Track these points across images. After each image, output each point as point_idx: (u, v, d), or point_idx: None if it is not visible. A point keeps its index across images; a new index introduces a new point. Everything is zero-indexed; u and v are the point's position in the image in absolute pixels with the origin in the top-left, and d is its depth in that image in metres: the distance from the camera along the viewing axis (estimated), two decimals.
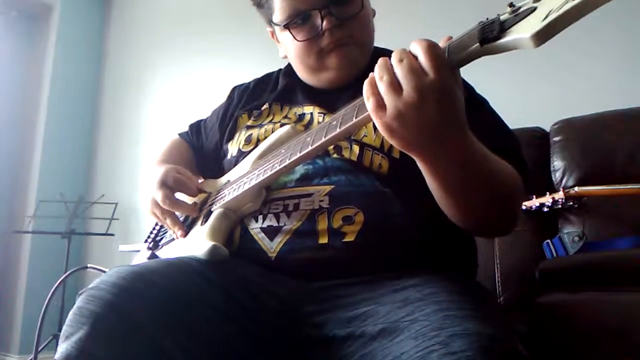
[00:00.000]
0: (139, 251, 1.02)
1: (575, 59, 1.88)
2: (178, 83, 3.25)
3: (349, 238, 0.72)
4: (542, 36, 0.42)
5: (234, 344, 0.64)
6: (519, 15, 0.46)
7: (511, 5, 0.48)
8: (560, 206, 1.55)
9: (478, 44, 0.48)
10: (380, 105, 0.55)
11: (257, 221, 0.79)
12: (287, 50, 0.94)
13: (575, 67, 1.88)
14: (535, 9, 0.45)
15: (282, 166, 0.70)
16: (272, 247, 0.75)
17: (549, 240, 1.47)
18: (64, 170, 3.42)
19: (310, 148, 0.67)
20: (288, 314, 0.69)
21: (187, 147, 1.13)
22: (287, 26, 0.88)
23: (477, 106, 0.84)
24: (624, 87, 1.75)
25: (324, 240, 0.73)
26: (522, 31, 0.43)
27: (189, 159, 1.09)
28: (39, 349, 2.45)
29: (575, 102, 1.74)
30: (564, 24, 0.41)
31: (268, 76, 1.07)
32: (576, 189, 1.54)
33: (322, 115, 0.89)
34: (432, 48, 0.53)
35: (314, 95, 0.93)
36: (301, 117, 0.91)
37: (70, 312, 0.60)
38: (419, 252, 0.74)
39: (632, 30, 1.82)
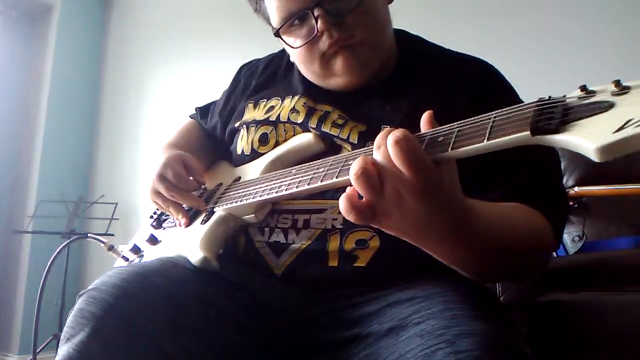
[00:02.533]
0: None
1: (574, 59, 1.88)
2: (178, 83, 3.25)
3: (359, 263, 0.69)
4: (610, 152, 0.33)
5: (235, 346, 0.64)
6: (589, 107, 0.36)
7: (583, 88, 0.39)
8: None
9: (529, 132, 0.39)
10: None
11: (263, 234, 0.76)
12: (293, 58, 0.85)
13: (575, 66, 1.88)
14: (611, 105, 0.35)
15: (287, 192, 0.66)
16: (278, 264, 0.73)
17: None
18: (64, 170, 3.42)
19: (318, 184, 0.60)
20: (291, 315, 0.69)
21: (198, 129, 1.06)
22: (277, 33, 0.79)
23: None
24: None
25: (333, 263, 0.70)
26: (587, 136, 0.34)
27: (199, 144, 1.02)
28: (37, 350, 2.44)
29: None
30: None
31: (280, 57, 0.96)
32: (576, 189, 1.54)
33: (343, 120, 0.79)
34: (404, 151, 0.46)
35: (335, 96, 0.82)
36: (312, 110, 0.82)
37: (71, 314, 0.60)
38: (429, 270, 0.69)
39: (631, 30, 1.81)
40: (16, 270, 3.24)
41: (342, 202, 0.50)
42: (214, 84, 2.96)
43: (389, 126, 0.75)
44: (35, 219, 2.83)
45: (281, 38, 0.80)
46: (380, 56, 0.80)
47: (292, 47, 0.79)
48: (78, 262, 3.34)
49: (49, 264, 2.08)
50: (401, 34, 0.88)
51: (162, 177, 0.84)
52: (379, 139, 0.49)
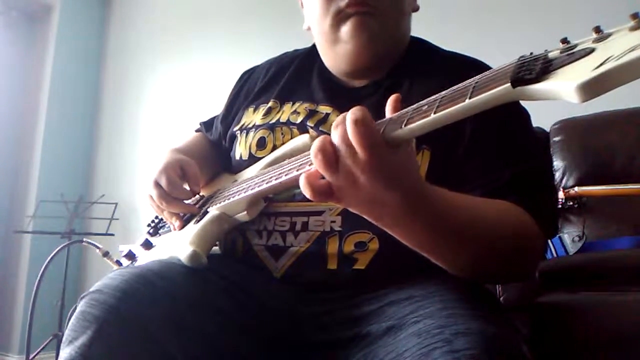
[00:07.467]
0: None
1: None
2: (178, 83, 3.25)
3: (359, 266, 0.69)
4: (590, 90, 0.32)
5: (236, 346, 0.64)
6: (572, 56, 0.35)
7: (565, 41, 0.38)
8: (560, 206, 1.55)
9: (509, 84, 0.37)
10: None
11: (261, 237, 0.76)
12: (309, 18, 0.87)
13: None
14: (592, 50, 0.34)
15: (277, 182, 0.63)
16: (277, 267, 0.73)
17: (548, 240, 1.47)
18: (64, 170, 3.42)
19: (307, 168, 0.57)
20: (290, 315, 0.69)
21: (205, 140, 1.07)
22: None
23: (489, 130, 0.72)
24: (624, 87, 1.75)
25: (332, 266, 0.70)
26: (567, 78, 0.33)
27: (205, 153, 1.03)
28: (37, 351, 2.45)
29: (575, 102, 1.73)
30: (623, 78, 0.31)
31: (279, 60, 0.98)
32: (576, 189, 1.54)
33: None
34: (361, 131, 0.46)
35: (334, 93, 0.84)
36: (312, 112, 0.83)
37: (73, 317, 0.60)
38: (429, 271, 0.68)
39: None
40: (16, 270, 3.24)
41: (301, 179, 0.51)
42: (213, 84, 2.97)
43: None
44: (35, 219, 2.83)
45: None
46: (388, 41, 0.81)
47: None
48: (78, 262, 3.34)
49: (42, 268, 2.09)
50: (411, 39, 0.89)
51: (156, 184, 0.84)
52: (339, 118, 0.49)
